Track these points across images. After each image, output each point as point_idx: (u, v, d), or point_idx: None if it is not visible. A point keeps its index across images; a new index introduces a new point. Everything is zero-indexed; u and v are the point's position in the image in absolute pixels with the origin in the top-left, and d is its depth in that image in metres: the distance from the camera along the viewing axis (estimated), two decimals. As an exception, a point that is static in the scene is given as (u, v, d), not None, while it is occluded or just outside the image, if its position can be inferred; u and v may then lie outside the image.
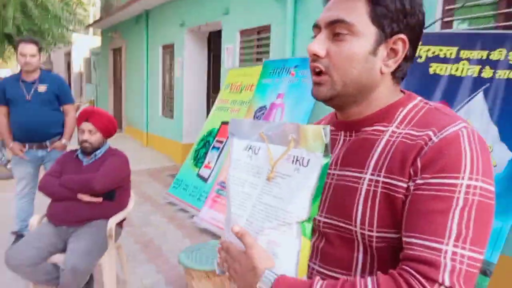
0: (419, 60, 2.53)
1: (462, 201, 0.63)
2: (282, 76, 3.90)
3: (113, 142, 2.74)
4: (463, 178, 0.64)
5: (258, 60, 4.57)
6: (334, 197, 0.78)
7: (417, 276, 0.61)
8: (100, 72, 11.54)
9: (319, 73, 0.77)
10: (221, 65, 5.25)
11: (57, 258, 2.28)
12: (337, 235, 0.77)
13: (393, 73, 0.78)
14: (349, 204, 0.74)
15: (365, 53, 0.74)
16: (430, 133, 0.69)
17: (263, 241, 0.72)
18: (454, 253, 0.61)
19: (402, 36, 0.75)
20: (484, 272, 2.03)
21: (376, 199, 0.71)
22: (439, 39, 2.40)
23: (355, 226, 0.73)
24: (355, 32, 0.73)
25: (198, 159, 4.56)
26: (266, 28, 4.42)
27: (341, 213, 0.75)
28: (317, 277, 0.69)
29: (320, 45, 0.75)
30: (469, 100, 2.18)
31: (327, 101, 0.79)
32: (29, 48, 3.07)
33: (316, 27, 0.78)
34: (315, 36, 0.78)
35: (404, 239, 0.67)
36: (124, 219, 2.64)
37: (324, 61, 0.75)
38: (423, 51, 2.48)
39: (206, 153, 4.49)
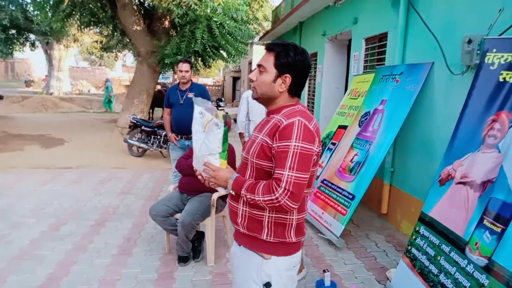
0: (491, 68, 2.41)
1: (292, 152, 1.36)
2: (388, 82, 4.00)
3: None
4: (292, 141, 1.36)
5: (378, 66, 4.71)
6: (248, 145, 1.56)
7: (275, 183, 1.36)
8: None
9: (253, 88, 1.54)
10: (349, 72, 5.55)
11: (178, 215, 3.27)
12: (244, 162, 1.57)
13: (288, 91, 1.52)
14: (251, 147, 1.52)
15: (269, 81, 1.50)
16: (283, 120, 1.43)
17: (206, 160, 1.53)
18: (287, 175, 1.34)
19: (288, 75, 1.49)
20: (507, 284, 1.93)
21: (258, 146, 1.47)
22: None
23: (249, 156, 1.51)
24: (266, 71, 1.50)
25: (316, 158, 5.04)
26: (385, 36, 4.53)
27: (247, 151, 1.54)
28: (250, 179, 1.49)
29: (254, 75, 1.54)
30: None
31: (256, 99, 1.56)
32: (184, 66, 4.27)
33: (256, 65, 1.56)
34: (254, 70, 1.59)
35: (274, 170, 1.41)
36: (228, 195, 3.44)
37: (254, 82, 1.54)
38: (496, 58, 2.36)
39: (321, 154, 4.94)
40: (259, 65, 1.51)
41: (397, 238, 3.87)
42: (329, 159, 4.63)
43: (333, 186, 4.05)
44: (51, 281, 2.91)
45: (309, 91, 8.04)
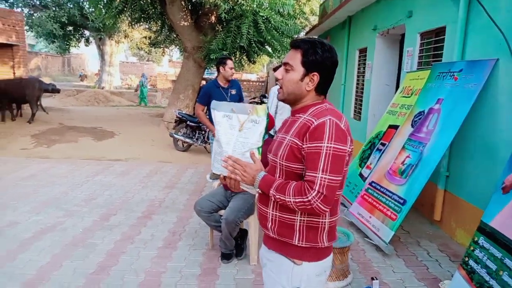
0: None
1: (324, 153, 1.31)
2: (446, 80, 3.74)
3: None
4: (324, 142, 1.32)
5: (434, 63, 4.43)
6: (275, 147, 1.52)
7: (307, 186, 1.32)
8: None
9: (280, 88, 1.50)
10: (401, 68, 5.27)
11: (222, 212, 3.27)
12: (272, 164, 1.52)
13: (316, 89, 1.46)
14: (278, 149, 1.47)
15: (297, 80, 1.45)
16: (313, 120, 1.38)
17: (245, 156, 1.50)
18: (321, 177, 1.30)
19: (316, 73, 1.43)
20: None
21: (287, 148, 1.42)
22: None
23: (278, 159, 1.46)
24: (293, 69, 1.45)
25: (363, 160, 4.85)
26: (442, 30, 4.23)
27: (275, 154, 1.49)
28: (279, 178, 1.44)
29: (280, 73, 1.49)
30: None
31: (282, 100, 1.51)
32: (232, 63, 4.33)
33: (283, 63, 1.50)
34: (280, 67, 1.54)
35: (305, 172, 1.36)
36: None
37: (281, 81, 1.49)
38: None
39: (370, 154, 4.74)
40: (285, 63, 1.46)
41: (451, 248, 3.63)
42: (378, 160, 4.44)
43: (382, 189, 3.86)
44: (102, 269, 3.03)
45: (357, 88, 7.77)
